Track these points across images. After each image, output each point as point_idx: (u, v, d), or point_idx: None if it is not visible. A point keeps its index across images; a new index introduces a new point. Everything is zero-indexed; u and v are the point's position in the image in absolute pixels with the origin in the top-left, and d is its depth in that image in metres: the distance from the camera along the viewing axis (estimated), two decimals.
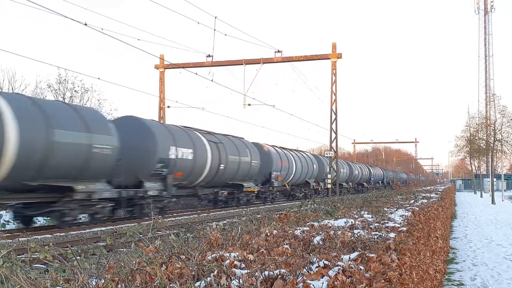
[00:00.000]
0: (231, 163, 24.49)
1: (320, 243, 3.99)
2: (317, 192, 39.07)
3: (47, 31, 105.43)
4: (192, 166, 21.11)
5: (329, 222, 5.48)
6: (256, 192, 27.36)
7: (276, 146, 33.00)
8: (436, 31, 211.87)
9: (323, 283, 2.61)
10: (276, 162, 30.64)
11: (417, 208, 8.12)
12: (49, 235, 13.01)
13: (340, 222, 5.57)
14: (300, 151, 39.27)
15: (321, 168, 40.44)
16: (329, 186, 34.87)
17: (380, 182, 65.11)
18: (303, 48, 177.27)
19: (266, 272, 2.71)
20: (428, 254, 5.68)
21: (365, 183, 55.15)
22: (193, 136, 22.19)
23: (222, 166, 23.59)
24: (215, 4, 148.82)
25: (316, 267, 2.94)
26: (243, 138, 28.10)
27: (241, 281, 2.57)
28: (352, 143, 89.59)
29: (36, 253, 3.27)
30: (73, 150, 14.76)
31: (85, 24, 17.74)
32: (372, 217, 6.30)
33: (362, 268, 2.94)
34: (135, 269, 2.76)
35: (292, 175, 33.81)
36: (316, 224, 5.27)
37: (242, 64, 32.14)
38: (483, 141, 40.00)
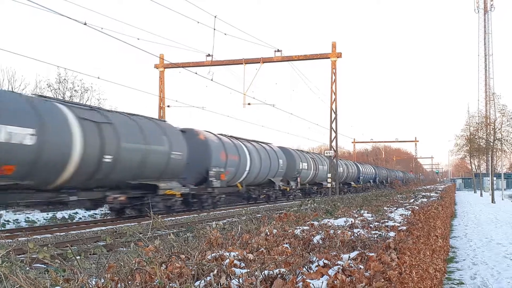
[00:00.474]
0: (128, 153, 16.75)
1: (320, 242, 3.99)
2: (285, 193, 32.34)
3: (47, 31, 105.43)
4: (36, 157, 13.42)
5: (329, 221, 5.48)
6: (179, 196, 19.71)
7: (223, 135, 25.81)
8: (436, 30, 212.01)
9: (322, 282, 2.61)
10: (218, 154, 23.21)
11: (417, 207, 8.12)
12: (49, 235, 13.03)
13: (340, 221, 5.58)
14: (261, 142, 30.61)
15: (291, 163, 33.05)
16: (329, 185, 34.86)
17: (371, 181, 58.61)
18: (303, 48, 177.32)
19: (266, 272, 2.71)
20: (428, 253, 5.67)
21: (352, 183, 48.93)
22: (41, 107, 14.20)
23: (108, 158, 15.77)
24: (215, 3, 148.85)
25: (316, 266, 2.95)
26: (165, 121, 20.98)
27: (240, 280, 2.56)
28: (352, 142, 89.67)
29: (35, 253, 3.27)
30: None
31: (85, 24, 17.73)
32: (372, 216, 6.31)
33: (361, 267, 2.94)
34: (134, 268, 2.76)
35: (246, 172, 26.33)
36: (316, 223, 5.27)
37: (242, 64, 32.15)
38: (483, 140, 40.00)
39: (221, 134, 25.42)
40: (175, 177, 19.90)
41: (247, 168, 26.40)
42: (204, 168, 22.45)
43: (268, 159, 29.27)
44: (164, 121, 20.86)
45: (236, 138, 27.15)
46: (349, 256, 3.23)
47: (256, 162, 27.44)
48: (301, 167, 34.80)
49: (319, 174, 38.95)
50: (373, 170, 61.93)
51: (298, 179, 34.22)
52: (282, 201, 31.11)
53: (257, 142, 29.83)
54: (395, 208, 7.91)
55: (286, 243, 3.84)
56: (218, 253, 3.22)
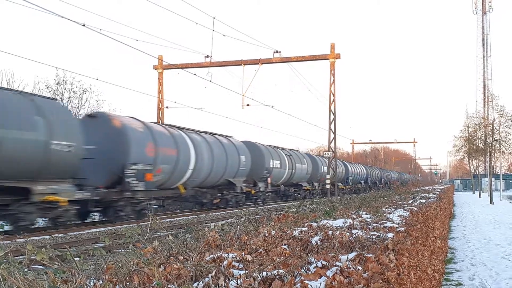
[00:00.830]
0: None
1: (318, 243, 3.99)
2: (250, 197, 27.00)
3: (46, 32, 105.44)
4: None
5: (327, 223, 5.48)
6: (65, 203, 13.92)
7: (157, 123, 20.64)
8: (434, 31, 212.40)
9: (321, 283, 2.61)
10: (141, 147, 17.59)
11: (416, 208, 8.13)
12: (48, 236, 13.00)
13: (339, 222, 5.58)
14: (216, 134, 25.10)
15: (258, 161, 27.66)
16: (327, 186, 34.87)
17: (362, 182, 53.71)
18: (302, 49, 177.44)
19: (264, 273, 2.71)
20: (427, 254, 5.68)
21: (340, 183, 42.37)
22: None
23: None
24: (213, 4, 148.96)
25: (314, 267, 2.95)
26: (54, 99, 16.97)
27: (239, 281, 2.57)
28: (351, 143, 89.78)
29: (34, 254, 3.27)
30: None
31: (83, 25, 17.72)
32: (370, 217, 6.31)
33: (360, 268, 2.94)
34: (133, 270, 2.76)
35: (190, 170, 20.46)
36: (314, 224, 5.28)
37: (241, 65, 32.19)
38: (482, 141, 40.06)
39: (155, 123, 20.15)
40: (66, 177, 14.19)
41: (191, 166, 20.49)
42: (118, 165, 16.63)
43: (223, 154, 23.45)
44: (51, 99, 15.64)
45: (179, 128, 21.37)
46: (347, 257, 3.23)
47: (205, 158, 21.61)
48: (272, 166, 29.38)
49: (297, 174, 34.01)
50: (364, 170, 56.67)
51: (269, 179, 29.00)
52: (247, 206, 26.22)
53: (211, 134, 24.31)
54: (394, 209, 7.92)
55: (285, 244, 3.84)
56: (216, 254, 3.22)
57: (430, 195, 15.61)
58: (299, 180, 35.12)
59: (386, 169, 79.10)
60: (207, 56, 31.17)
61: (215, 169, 22.65)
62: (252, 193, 26.87)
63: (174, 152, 19.44)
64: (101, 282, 2.63)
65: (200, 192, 22.57)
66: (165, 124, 20.97)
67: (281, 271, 2.77)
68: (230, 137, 26.51)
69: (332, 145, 34.05)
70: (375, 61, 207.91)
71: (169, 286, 2.57)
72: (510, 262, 9.99)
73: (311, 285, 2.57)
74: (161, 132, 19.46)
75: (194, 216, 19.72)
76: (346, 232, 4.52)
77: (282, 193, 33.10)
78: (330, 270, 2.85)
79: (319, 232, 4.48)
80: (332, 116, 33.38)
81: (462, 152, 49.00)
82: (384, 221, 5.67)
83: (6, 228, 14.30)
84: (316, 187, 37.63)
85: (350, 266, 2.98)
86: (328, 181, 34.76)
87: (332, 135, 33.77)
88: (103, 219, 17.62)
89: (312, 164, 37.48)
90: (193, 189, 21.72)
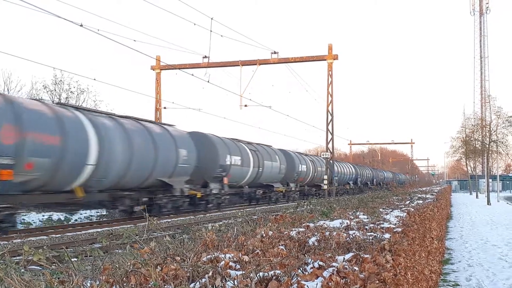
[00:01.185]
0: None
1: (315, 244, 3.99)
2: (195, 201, 21.19)
3: (43, 32, 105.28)
4: None
5: (324, 223, 5.49)
6: None
7: (40, 100, 16.63)
8: (432, 32, 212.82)
9: (317, 284, 2.62)
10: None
11: (413, 209, 8.14)
12: (45, 237, 12.99)
13: (336, 223, 5.59)
14: (143, 120, 19.32)
15: (208, 156, 22.18)
16: (325, 186, 34.87)
17: (351, 182, 48.89)
18: (300, 49, 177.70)
19: (261, 273, 2.72)
20: (424, 255, 5.69)
21: (323, 184, 36.92)
22: None
23: None
24: (211, 5, 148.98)
25: (311, 268, 2.95)
26: None
27: (235, 282, 2.57)
28: (349, 144, 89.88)
29: (31, 255, 3.27)
30: None
31: (81, 25, 17.70)
32: (367, 218, 6.32)
33: (356, 269, 2.95)
34: (129, 270, 2.76)
35: (91, 166, 14.85)
36: (311, 225, 5.28)
37: (239, 65, 32.21)
38: (479, 142, 40.11)
39: (35, 99, 14.99)
40: None
41: (92, 160, 14.85)
42: None
43: (150, 146, 17.66)
44: None
45: (76, 108, 16.02)
46: (344, 258, 3.23)
47: (117, 150, 15.98)
48: (229, 162, 23.82)
49: (266, 173, 28.49)
50: (353, 170, 51.44)
51: (225, 179, 23.51)
52: (198, 212, 21.24)
53: (134, 119, 18.46)
54: (391, 210, 7.93)
55: (282, 245, 3.85)
56: (213, 255, 3.22)
57: (427, 196, 15.63)
58: (270, 180, 29.68)
59: (379, 169, 73.69)
60: (205, 57, 31.15)
61: (136, 165, 16.65)
62: (198, 196, 20.98)
63: (57, 140, 13.71)
64: (98, 282, 2.63)
65: (115, 196, 16.74)
66: (57, 104, 15.74)
67: (278, 271, 2.77)
68: (170, 125, 20.87)
69: (330, 145, 34.09)
70: (372, 62, 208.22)
71: (166, 286, 2.57)
72: (507, 263, 10.02)
73: (307, 286, 2.57)
74: (34, 110, 13.48)
75: (191, 217, 19.72)
76: (343, 232, 4.53)
77: (246, 195, 27.60)
78: (327, 270, 2.86)
79: (316, 233, 4.48)
80: (329, 117, 33.43)
81: (460, 153, 49.06)
82: (381, 222, 5.67)
83: None
84: (293, 189, 32.99)
85: (347, 266, 2.99)
86: (325, 181, 34.76)
87: (329, 136, 33.81)
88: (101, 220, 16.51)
89: (286, 161, 31.84)
90: (103, 193, 16.11)
